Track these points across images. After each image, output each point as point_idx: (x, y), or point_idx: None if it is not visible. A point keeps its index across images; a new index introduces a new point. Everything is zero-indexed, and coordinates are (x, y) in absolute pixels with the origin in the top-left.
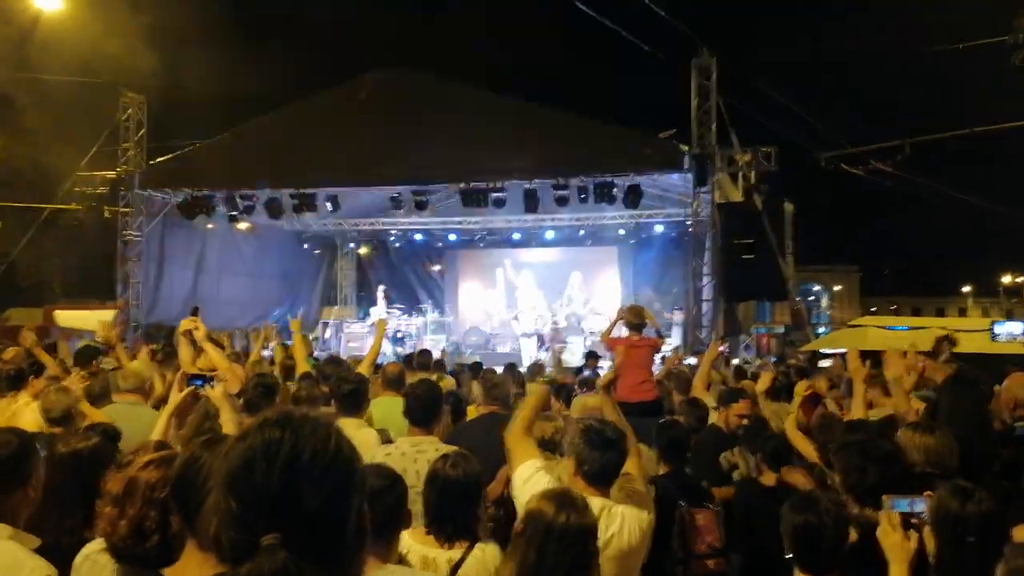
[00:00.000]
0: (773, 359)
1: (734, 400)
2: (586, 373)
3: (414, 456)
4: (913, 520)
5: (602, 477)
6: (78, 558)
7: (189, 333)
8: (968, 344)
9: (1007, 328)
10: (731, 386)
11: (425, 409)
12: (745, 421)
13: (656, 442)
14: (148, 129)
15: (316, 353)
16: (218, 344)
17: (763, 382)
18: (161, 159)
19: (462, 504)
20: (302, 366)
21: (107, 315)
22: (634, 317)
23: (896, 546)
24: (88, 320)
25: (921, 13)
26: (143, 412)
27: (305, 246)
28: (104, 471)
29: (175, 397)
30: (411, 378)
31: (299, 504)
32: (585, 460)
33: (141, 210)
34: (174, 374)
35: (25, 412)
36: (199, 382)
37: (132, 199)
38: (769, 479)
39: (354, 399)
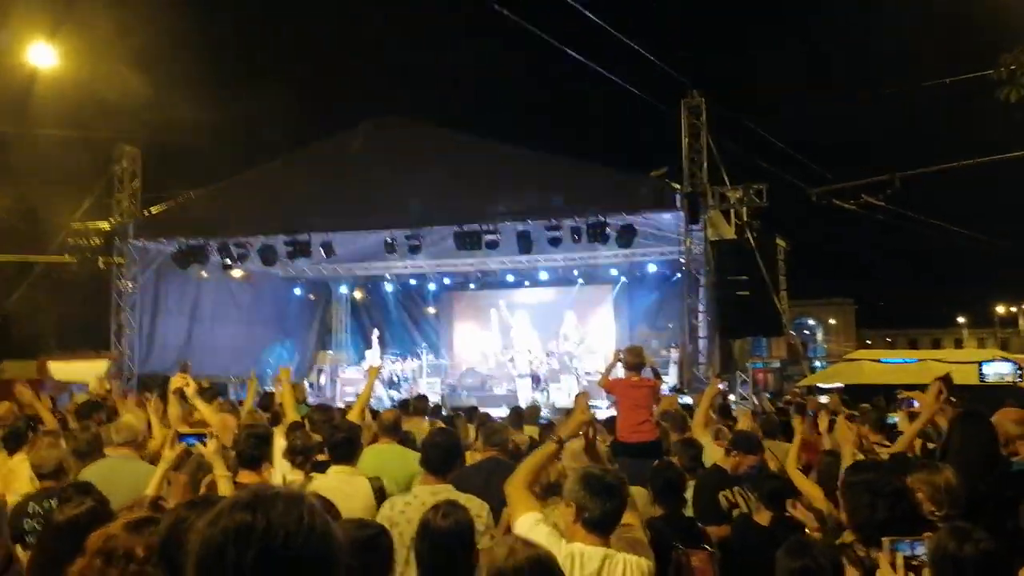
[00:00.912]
0: (769, 395)
1: (751, 451)
2: None
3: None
4: (914, 562)
5: (603, 525)
6: None
7: (180, 391)
8: (962, 377)
9: (995, 368)
10: (746, 432)
11: (444, 458)
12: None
13: (650, 484)
14: (142, 179)
15: (310, 400)
16: (216, 394)
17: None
18: (155, 209)
19: (456, 554)
20: (291, 414)
21: (100, 366)
22: (633, 357)
23: None
24: (82, 371)
25: (910, 49)
26: (137, 466)
27: (299, 292)
28: None
29: (168, 455)
30: (407, 423)
31: None
32: (586, 507)
33: (135, 260)
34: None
35: (21, 469)
36: (192, 440)
37: (126, 250)
38: (764, 518)
39: (347, 447)
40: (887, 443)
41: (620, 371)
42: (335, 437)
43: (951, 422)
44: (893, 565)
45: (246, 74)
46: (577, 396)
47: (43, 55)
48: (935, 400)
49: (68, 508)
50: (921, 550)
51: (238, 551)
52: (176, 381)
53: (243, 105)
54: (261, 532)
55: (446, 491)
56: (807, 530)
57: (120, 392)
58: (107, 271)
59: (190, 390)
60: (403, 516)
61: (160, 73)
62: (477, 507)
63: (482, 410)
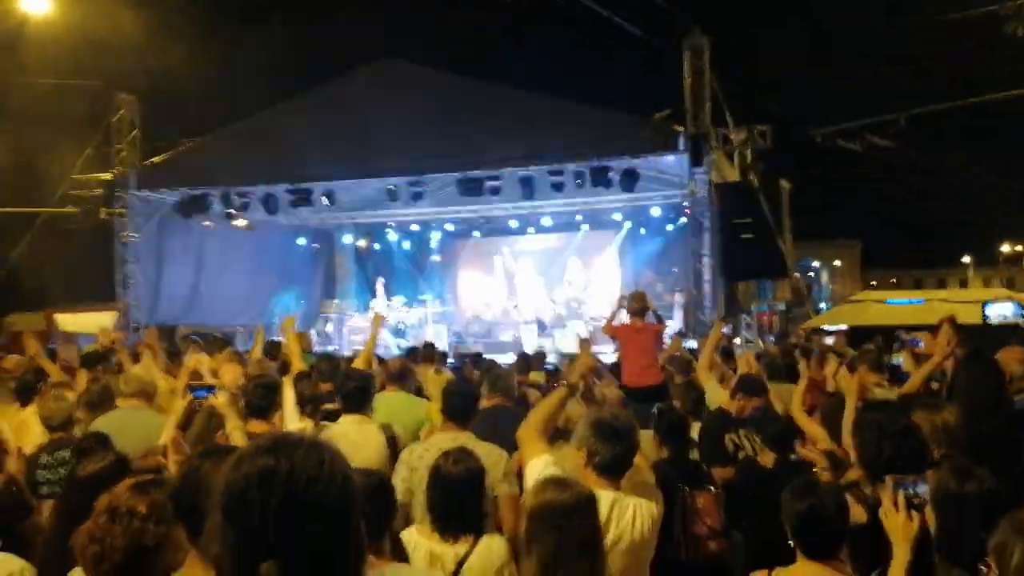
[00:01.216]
0: (772, 338)
1: (756, 394)
2: None
3: None
4: (916, 500)
5: (613, 469)
6: None
7: (195, 371)
8: (966, 317)
9: (998, 310)
10: (750, 374)
11: (464, 406)
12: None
13: (655, 427)
14: (141, 129)
15: (318, 349)
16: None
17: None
18: (155, 158)
19: (467, 499)
20: (297, 364)
21: (107, 318)
22: (636, 303)
23: (899, 527)
24: (89, 323)
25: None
26: (147, 417)
27: (303, 241)
28: None
29: (179, 406)
30: (415, 371)
31: (296, 531)
32: (596, 452)
33: (137, 211)
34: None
35: (33, 421)
36: (203, 392)
37: (128, 200)
38: (768, 460)
39: (360, 396)
40: (884, 383)
41: (624, 317)
42: (347, 386)
43: (956, 363)
44: (896, 504)
45: (246, 19)
46: (581, 341)
47: (36, 1)
48: (947, 344)
49: (90, 463)
50: (923, 489)
51: (262, 495)
52: (191, 363)
53: (243, 51)
54: (284, 476)
55: (465, 438)
56: (816, 470)
57: (127, 346)
58: (110, 222)
59: (204, 368)
60: (422, 462)
61: (157, 19)
62: (496, 454)
63: (488, 356)
